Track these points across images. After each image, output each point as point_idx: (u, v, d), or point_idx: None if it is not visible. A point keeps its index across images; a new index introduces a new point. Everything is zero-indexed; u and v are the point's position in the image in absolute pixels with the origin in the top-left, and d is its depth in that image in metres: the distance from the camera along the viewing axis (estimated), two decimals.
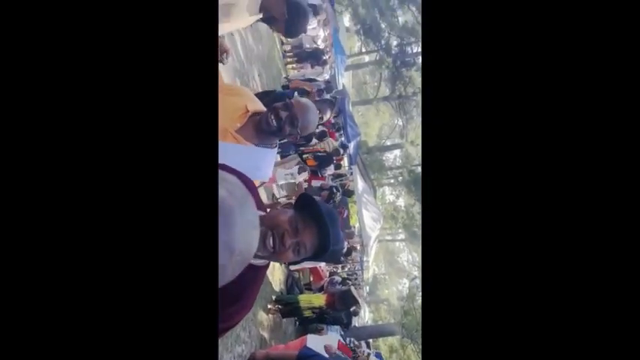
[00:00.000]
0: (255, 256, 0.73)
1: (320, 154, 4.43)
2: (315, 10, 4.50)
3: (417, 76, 14.00)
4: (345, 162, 7.07)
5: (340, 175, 7.05)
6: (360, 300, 4.03)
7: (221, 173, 0.51)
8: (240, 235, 0.48)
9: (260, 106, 1.24)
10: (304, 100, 1.23)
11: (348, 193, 6.08)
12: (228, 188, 0.49)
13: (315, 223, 0.78)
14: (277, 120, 1.14)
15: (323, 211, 0.79)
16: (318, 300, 3.84)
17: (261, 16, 1.44)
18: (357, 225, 7.55)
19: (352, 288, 3.95)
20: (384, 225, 14.19)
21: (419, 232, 17.36)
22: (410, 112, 16.09)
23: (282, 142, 1.27)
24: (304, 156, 4.27)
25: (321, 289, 4.73)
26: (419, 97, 14.36)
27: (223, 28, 1.28)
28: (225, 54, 1.30)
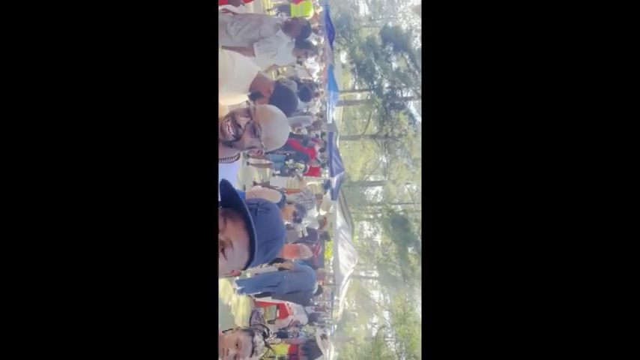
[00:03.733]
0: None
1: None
2: (313, 49, 4.64)
3: (404, 119, 14.52)
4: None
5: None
6: (324, 352, 3.81)
7: None
8: None
9: (221, 112, 1.03)
10: (270, 106, 1.01)
11: (326, 237, 5.95)
12: None
13: (241, 215, 0.65)
14: (235, 127, 0.94)
15: (246, 204, 0.66)
16: (281, 349, 3.60)
17: (249, 93, 1.40)
18: (331, 259, 7.36)
19: (318, 338, 3.75)
20: (360, 260, 14.04)
21: (393, 274, 17.30)
22: (394, 152, 16.51)
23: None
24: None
25: (284, 335, 4.46)
26: (404, 139, 14.82)
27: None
28: None
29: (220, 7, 2.25)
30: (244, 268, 0.70)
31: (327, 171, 7.03)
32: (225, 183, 0.67)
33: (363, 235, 20.56)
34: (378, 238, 19.94)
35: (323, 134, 6.62)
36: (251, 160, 4.79)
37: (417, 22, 16.89)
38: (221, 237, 0.64)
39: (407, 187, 18.70)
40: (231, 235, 0.64)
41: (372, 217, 20.03)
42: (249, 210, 0.65)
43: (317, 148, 5.94)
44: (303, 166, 5.27)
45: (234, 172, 1.11)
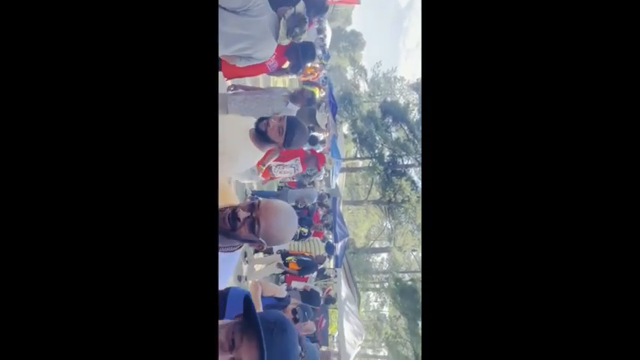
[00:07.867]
0: None
1: (305, 258, 4.18)
2: (315, 137, 4.90)
3: (406, 185, 14.75)
4: (330, 263, 6.77)
5: (324, 277, 6.63)
6: None
7: None
8: None
9: (230, 200, 0.98)
10: (276, 204, 0.95)
11: (330, 301, 5.56)
12: None
13: (257, 335, 0.64)
14: (233, 221, 0.89)
15: (263, 322, 0.65)
16: None
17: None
18: (335, 334, 6.76)
19: None
20: (367, 336, 12.90)
21: (404, 352, 15.72)
22: (398, 218, 16.40)
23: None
24: (288, 258, 4.01)
25: None
26: (407, 205, 14.84)
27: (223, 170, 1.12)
28: None
29: (229, 83, 2.40)
30: None
31: (330, 236, 6.89)
32: (248, 299, 0.67)
33: (370, 306, 19.26)
34: (386, 310, 18.61)
35: (328, 196, 6.65)
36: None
37: (413, 97, 18.30)
38: (234, 354, 0.63)
39: (413, 254, 18.11)
40: (244, 354, 0.64)
41: (378, 286, 19.01)
42: (266, 329, 0.64)
43: (320, 212, 5.91)
44: (306, 230, 5.18)
45: (234, 261, 1.07)
